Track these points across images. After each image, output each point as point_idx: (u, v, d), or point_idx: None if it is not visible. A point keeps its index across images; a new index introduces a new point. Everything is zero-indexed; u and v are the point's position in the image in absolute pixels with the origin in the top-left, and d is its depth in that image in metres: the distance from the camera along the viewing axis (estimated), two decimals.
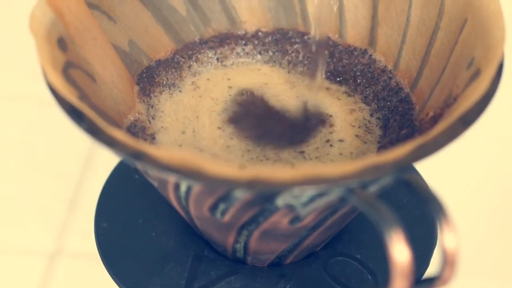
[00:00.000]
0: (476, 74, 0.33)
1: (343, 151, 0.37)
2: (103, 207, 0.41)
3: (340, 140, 0.38)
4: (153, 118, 0.38)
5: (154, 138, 0.37)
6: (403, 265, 0.28)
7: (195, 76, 0.41)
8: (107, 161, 0.63)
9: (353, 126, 0.39)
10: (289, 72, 0.42)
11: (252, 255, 0.37)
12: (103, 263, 0.38)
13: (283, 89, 0.41)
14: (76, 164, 0.67)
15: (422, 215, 0.39)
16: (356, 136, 0.38)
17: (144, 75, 0.39)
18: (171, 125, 0.38)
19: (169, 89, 0.40)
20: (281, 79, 0.41)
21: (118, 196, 0.41)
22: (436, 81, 0.37)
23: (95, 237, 0.39)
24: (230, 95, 0.40)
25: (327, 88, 0.41)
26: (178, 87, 0.40)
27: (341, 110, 0.39)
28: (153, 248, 0.39)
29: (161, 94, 0.39)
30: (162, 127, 0.38)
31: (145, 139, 0.37)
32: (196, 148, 0.37)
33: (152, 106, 0.38)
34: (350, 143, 0.38)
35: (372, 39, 0.40)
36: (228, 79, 0.41)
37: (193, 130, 0.38)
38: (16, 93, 0.73)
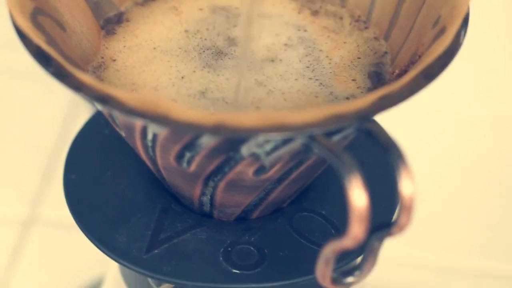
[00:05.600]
0: (441, 32, 0.34)
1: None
2: (72, 159, 0.41)
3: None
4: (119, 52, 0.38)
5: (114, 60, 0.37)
6: (360, 209, 0.28)
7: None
8: None
9: None
10: None
11: (218, 209, 0.38)
12: (71, 213, 0.39)
13: None
14: (51, 134, 0.67)
15: (385, 174, 0.39)
16: None
17: (112, 19, 0.39)
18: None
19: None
20: None
21: (88, 150, 0.41)
22: (403, 41, 0.37)
23: (64, 188, 0.39)
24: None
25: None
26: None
27: None
28: (120, 201, 0.39)
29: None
30: (124, 46, 0.38)
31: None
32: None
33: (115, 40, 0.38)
34: None
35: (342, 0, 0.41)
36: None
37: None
38: None
